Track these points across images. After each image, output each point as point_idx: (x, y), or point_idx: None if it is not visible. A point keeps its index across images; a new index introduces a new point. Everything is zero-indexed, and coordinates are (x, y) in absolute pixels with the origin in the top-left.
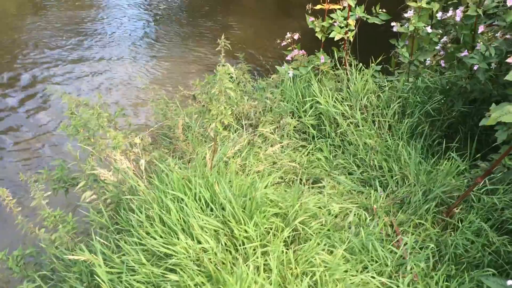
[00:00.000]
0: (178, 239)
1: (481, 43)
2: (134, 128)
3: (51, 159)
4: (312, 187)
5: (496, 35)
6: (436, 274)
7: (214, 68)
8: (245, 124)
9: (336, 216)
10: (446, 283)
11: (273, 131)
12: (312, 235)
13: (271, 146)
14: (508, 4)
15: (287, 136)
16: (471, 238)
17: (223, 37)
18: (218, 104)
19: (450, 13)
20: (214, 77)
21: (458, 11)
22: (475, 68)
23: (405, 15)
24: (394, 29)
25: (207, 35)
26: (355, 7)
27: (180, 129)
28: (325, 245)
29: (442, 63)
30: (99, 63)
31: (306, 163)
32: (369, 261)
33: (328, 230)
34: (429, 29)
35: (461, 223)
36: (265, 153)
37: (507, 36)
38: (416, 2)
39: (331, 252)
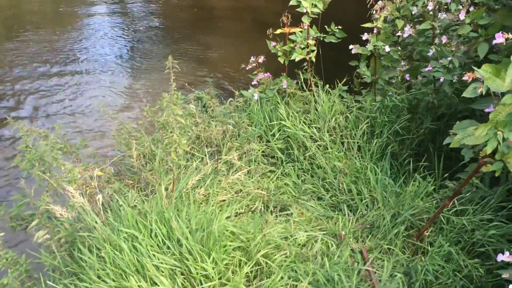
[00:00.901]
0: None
1: (435, 51)
2: (100, 160)
3: (9, 195)
4: (280, 215)
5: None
6: None
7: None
8: (208, 152)
9: (303, 246)
10: None
11: (241, 157)
12: (276, 268)
13: (236, 172)
14: (462, 17)
15: (254, 161)
16: (441, 263)
17: (170, 58)
18: (172, 132)
19: (406, 31)
20: (160, 105)
21: (406, 28)
22: (441, 80)
23: (363, 37)
24: (353, 51)
25: (190, 53)
26: (312, 26)
27: (134, 158)
28: (289, 278)
29: (407, 77)
30: (71, 89)
31: (274, 189)
32: None
33: (293, 261)
34: (387, 48)
35: (431, 247)
36: (229, 181)
37: (462, 47)
38: (372, 22)
39: (295, 286)
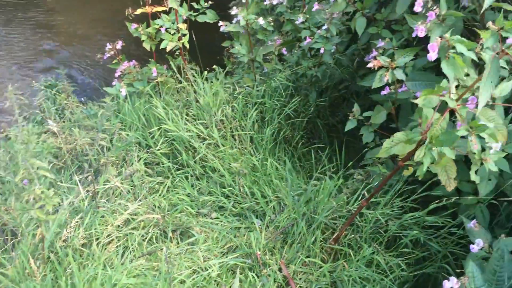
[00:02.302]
0: None
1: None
2: None
3: None
4: (181, 238)
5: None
6: None
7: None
8: (76, 171)
9: (218, 283)
10: None
11: (120, 172)
12: None
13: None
14: None
15: (138, 178)
16: (366, 270)
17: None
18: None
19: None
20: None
21: None
22: (321, 51)
23: (232, 12)
24: (222, 29)
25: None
26: (182, 4)
27: None
28: None
29: (284, 51)
30: None
31: (168, 207)
32: None
33: None
34: (261, 21)
35: (349, 247)
36: (113, 214)
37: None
38: None
39: None
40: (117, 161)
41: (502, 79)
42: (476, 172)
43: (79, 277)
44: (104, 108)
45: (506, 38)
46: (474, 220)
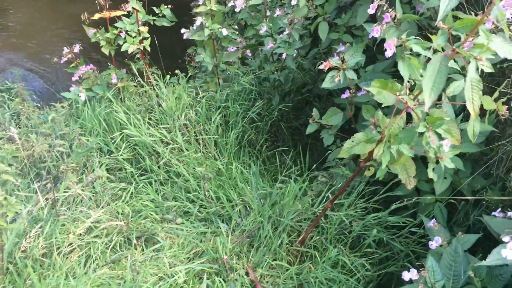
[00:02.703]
0: None
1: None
2: None
3: None
4: (146, 245)
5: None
6: None
7: None
8: (35, 180)
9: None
10: None
11: (81, 179)
12: None
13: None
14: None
15: (100, 184)
16: (332, 271)
17: None
18: None
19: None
20: None
21: (237, 2)
22: (283, 56)
23: (196, 23)
24: (185, 36)
25: None
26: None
27: None
28: None
29: (248, 53)
30: None
31: (131, 213)
32: None
33: None
34: (224, 32)
35: (315, 249)
36: (74, 222)
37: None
38: (206, 5)
39: None
40: (77, 168)
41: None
42: (433, 170)
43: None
44: (58, 113)
45: (457, 37)
46: (434, 219)
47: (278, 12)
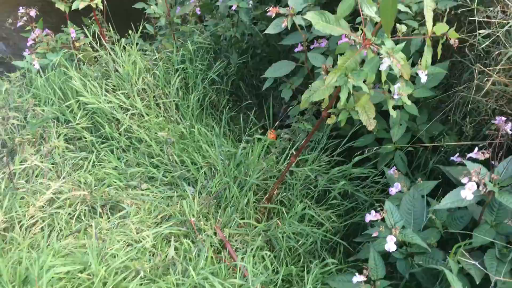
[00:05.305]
0: None
1: None
2: None
3: None
4: (112, 213)
5: None
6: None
7: None
8: None
9: (154, 249)
10: None
11: (38, 150)
12: None
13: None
14: None
15: (58, 155)
16: (300, 225)
17: None
18: None
19: None
20: None
21: None
22: (233, 8)
23: None
24: None
25: None
26: None
27: None
28: None
29: (198, 11)
30: None
31: (94, 182)
32: None
33: (152, 281)
34: None
35: (282, 205)
36: (34, 194)
37: None
38: None
39: None
40: (34, 139)
41: None
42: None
43: (2, 262)
44: (12, 84)
45: None
46: (394, 167)
47: None
